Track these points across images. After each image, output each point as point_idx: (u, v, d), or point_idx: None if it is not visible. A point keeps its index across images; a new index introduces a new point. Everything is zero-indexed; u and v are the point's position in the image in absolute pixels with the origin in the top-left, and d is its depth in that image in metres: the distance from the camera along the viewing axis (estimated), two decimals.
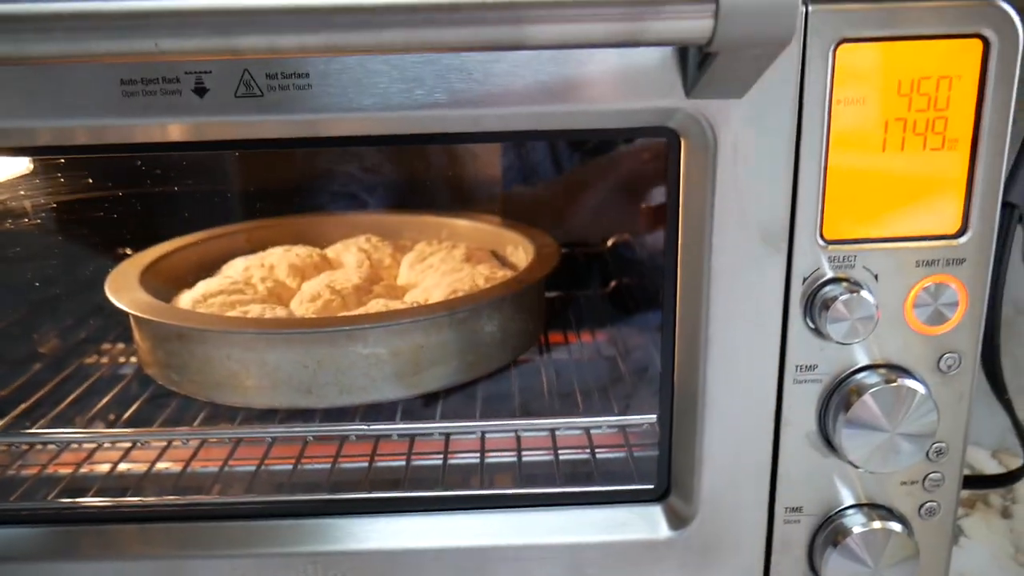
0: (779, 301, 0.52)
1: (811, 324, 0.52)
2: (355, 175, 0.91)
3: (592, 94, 0.48)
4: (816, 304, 0.51)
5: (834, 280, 0.51)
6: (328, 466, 0.65)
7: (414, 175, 0.92)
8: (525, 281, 0.68)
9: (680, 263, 0.53)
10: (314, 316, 0.66)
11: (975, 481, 0.74)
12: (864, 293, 0.50)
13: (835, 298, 0.50)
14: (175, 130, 0.49)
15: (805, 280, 0.52)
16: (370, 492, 0.59)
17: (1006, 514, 0.81)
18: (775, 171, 0.49)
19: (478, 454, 0.67)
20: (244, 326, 0.61)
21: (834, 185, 0.50)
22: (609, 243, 0.93)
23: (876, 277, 0.51)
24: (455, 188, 0.92)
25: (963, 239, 0.51)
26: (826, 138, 0.49)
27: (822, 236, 0.51)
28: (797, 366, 0.53)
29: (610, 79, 0.47)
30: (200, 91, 0.47)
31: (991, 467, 0.89)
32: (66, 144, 0.51)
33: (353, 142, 0.54)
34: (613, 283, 0.93)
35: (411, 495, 0.59)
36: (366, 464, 0.65)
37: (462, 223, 0.85)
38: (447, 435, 0.67)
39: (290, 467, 0.66)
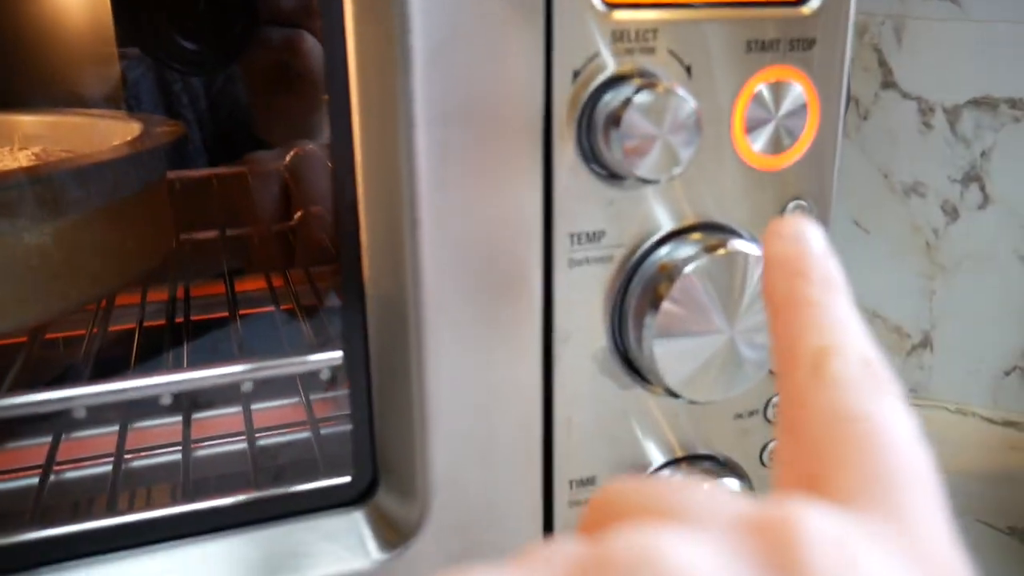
0: (536, 114, 0.29)
1: (591, 156, 0.30)
2: None
3: None
4: (597, 118, 0.29)
5: (623, 77, 0.29)
6: None
7: None
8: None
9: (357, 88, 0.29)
10: None
11: None
12: (677, 87, 0.29)
13: (629, 101, 0.28)
14: None
15: (577, 76, 0.29)
16: None
17: None
18: None
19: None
20: None
21: None
22: (287, 159, 0.67)
23: (688, 70, 0.30)
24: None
25: (810, 4, 0.31)
26: None
27: None
28: (572, 235, 0.31)
29: None
30: None
31: None
32: None
33: None
34: (300, 213, 0.67)
35: None
36: None
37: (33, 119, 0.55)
38: None
39: None
